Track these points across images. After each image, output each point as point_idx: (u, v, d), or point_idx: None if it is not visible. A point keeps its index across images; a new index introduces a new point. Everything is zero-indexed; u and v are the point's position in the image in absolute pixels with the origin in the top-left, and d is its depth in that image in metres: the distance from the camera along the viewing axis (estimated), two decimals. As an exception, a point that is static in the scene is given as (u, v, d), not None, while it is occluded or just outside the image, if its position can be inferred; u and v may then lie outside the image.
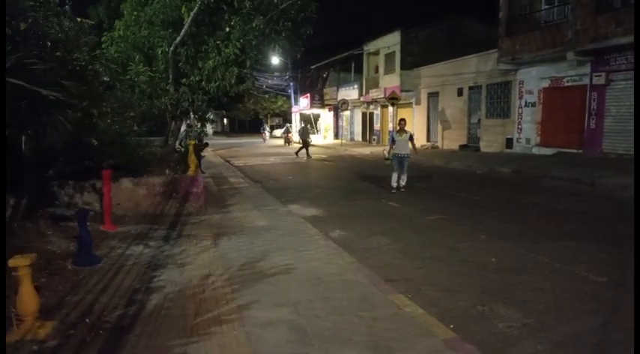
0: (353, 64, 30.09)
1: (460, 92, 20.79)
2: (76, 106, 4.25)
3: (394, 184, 10.03)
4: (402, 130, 10.18)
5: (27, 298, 3.24)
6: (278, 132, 42.86)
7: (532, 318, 3.73)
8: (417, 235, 6.54)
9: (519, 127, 17.43)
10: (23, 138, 5.47)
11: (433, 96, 23.05)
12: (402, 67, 24.27)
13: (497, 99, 18.84)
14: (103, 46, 8.96)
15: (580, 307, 3.94)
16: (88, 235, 5.16)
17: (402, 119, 10.72)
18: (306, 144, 21.20)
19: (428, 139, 23.52)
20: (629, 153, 12.95)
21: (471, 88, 20.14)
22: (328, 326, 3.42)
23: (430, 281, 4.66)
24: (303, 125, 24.28)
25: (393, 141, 10.19)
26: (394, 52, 25.03)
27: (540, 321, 3.67)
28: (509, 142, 17.94)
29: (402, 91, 23.66)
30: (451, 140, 21.39)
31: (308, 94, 36.44)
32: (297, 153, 21.44)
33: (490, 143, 18.88)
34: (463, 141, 20.60)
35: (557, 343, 3.31)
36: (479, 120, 19.80)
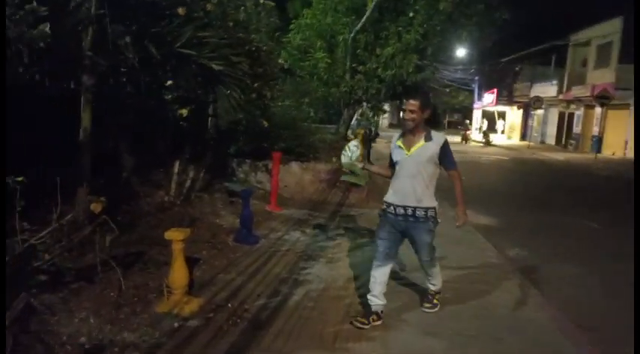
0: (554, 57, 26.28)
1: None
2: (247, 85, 4.26)
3: (373, 296, 3.29)
4: (413, 133, 3.21)
5: (177, 273, 3.28)
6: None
7: None
8: (625, 269, 5.01)
9: None
10: (210, 118, 5.89)
11: (661, 96, 18.48)
12: (621, 61, 20.06)
13: None
14: (290, 33, 9.31)
15: None
16: (249, 214, 5.26)
17: (413, 102, 3.12)
18: None
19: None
20: None
21: None
22: (493, 379, 2.64)
23: (649, 343, 3.37)
24: None
25: (392, 164, 3.37)
26: (611, 42, 20.86)
27: None
28: None
29: (616, 89, 19.61)
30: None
31: (495, 90, 33.40)
32: None
33: None
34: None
35: None
36: None
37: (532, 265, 5.06)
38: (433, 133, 3.22)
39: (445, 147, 3.23)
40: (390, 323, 3.28)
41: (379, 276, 3.30)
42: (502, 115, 36.08)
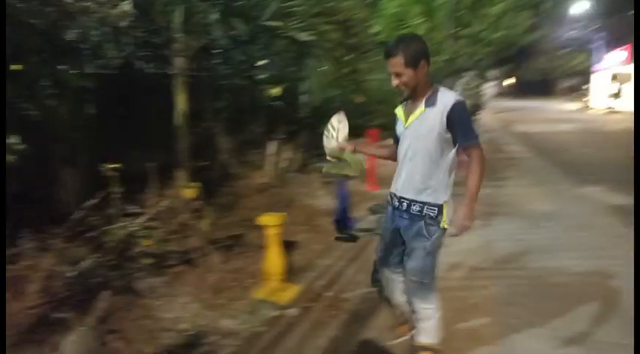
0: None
1: None
2: (339, 58, 3.95)
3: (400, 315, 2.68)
4: (415, 97, 2.15)
5: (272, 259, 3.14)
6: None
7: None
8: None
9: None
10: (302, 96, 5.71)
11: None
12: None
13: None
14: (384, 0, 8.74)
15: None
16: (346, 195, 5.01)
17: (393, 61, 2.06)
18: None
19: None
20: None
21: None
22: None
23: None
24: None
25: (396, 139, 2.34)
26: None
27: None
28: None
29: None
30: None
31: (627, 46, 28.77)
32: None
33: None
34: None
35: None
36: None
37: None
38: (441, 93, 2.07)
39: (455, 111, 2.00)
40: (513, 324, 2.81)
41: (386, 284, 2.51)
42: (629, 78, 31.37)
